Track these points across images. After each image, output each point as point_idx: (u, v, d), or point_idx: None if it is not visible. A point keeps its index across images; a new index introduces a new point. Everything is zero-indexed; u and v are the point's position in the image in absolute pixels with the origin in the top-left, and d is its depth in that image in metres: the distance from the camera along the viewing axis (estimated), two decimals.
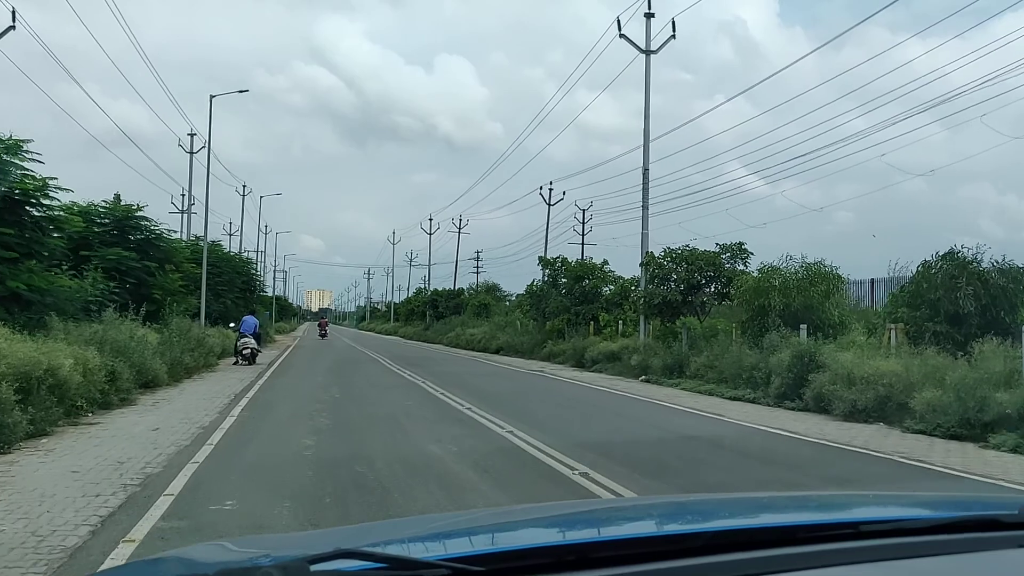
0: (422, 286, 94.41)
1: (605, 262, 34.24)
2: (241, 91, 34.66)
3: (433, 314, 68.93)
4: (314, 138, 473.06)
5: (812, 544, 1.44)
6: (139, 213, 22.87)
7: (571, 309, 33.07)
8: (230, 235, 66.24)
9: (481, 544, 1.55)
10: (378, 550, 1.35)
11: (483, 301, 57.12)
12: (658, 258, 23.93)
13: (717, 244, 23.56)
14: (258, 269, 64.53)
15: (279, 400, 15.63)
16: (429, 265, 75.85)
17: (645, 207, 25.07)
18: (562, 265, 37.48)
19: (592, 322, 31.67)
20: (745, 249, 23.32)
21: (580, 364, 27.50)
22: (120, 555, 5.40)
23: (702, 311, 23.52)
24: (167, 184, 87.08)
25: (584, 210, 57.77)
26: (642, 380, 21.61)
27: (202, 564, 1.40)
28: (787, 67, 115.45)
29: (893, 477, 8.83)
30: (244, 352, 25.16)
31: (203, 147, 43.20)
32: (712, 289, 23.26)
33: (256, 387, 17.96)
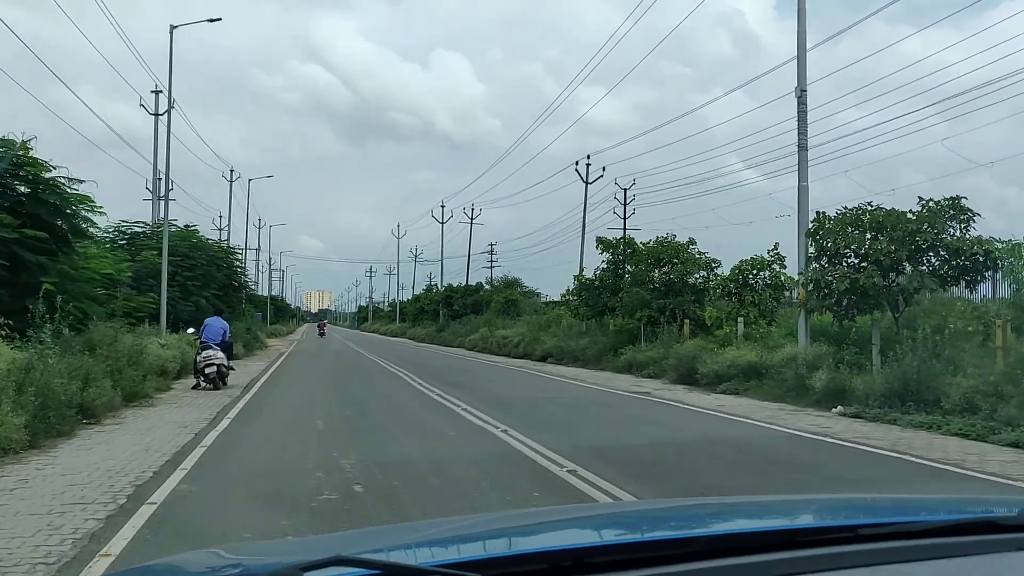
0: (430, 283, 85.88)
1: (692, 241, 26.04)
2: (212, 20, 26.66)
3: (448, 313, 60.67)
4: (312, 137, 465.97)
5: (810, 548, 1.42)
6: (23, 153, 13.91)
7: (652, 303, 24.88)
8: (219, 229, 58.28)
9: (477, 550, 1.51)
10: (372, 556, 1.31)
11: (510, 297, 48.84)
12: (835, 220, 15.67)
13: (921, 200, 15.40)
14: (244, 261, 56.47)
15: (232, 499, 7.38)
16: (442, 259, 67.62)
17: (803, 147, 16.82)
18: (628, 247, 29.27)
19: (685, 320, 23.47)
20: (965, 207, 15.17)
21: (690, 381, 19.34)
22: None
23: (906, 300, 15.31)
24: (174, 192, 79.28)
25: (626, 189, 49.64)
26: (836, 413, 13.42)
27: (195, 572, 1.43)
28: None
29: None
30: (207, 371, 16.97)
31: (169, 108, 35.18)
32: (927, 267, 15.05)
33: (197, 452, 9.63)
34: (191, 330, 18.48)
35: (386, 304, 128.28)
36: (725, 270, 25.19)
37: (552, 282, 77.48)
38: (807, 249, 16.55)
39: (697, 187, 71.60)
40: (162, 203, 48.30)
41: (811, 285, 15.66)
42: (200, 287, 30.50)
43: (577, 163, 46.65)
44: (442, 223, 66.55)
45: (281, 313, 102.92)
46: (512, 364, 29.40)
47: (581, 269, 34.25)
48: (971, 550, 1.49)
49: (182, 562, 1.56)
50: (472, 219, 68.46)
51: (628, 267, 29.45)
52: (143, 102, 31.97)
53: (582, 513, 2.64)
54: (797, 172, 16.82)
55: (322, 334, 71.33)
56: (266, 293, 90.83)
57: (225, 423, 11.68)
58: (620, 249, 29.38)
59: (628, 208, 50.00)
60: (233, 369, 18.31)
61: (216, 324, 17.71)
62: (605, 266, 30.01)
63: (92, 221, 16.46)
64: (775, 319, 21.23)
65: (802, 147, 16.75)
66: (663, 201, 78.59)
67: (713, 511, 2.10)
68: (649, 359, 22.36)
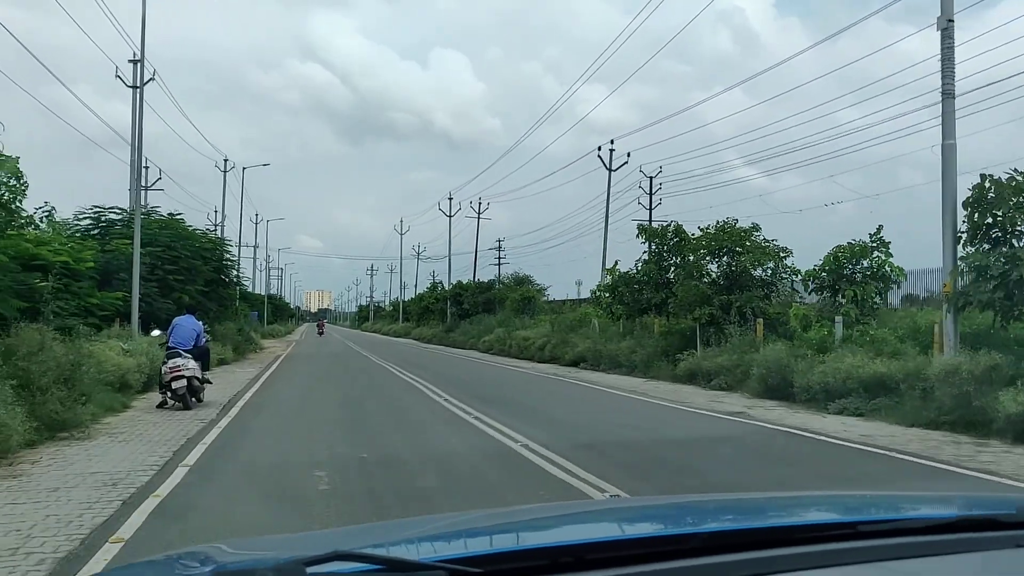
0: (434, 281, 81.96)
1: (756, 227, 22.13)
2: None
3: (457, 312, 56.74)
4: (311, 137, 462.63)
5: (810, 544, 1.41)
6: None
7: (713, 299, 21.00)
8: (215, 225, 54.43)
9: (478, 545, 1.51)
10: (375, 551, 1.32)
11: (527, 295, 44.92)
12: (1006, 186, 11.75)
13: None
14: (238, 256, 52.57)
15: None
16: (449, 254, 63.42)
17: (949, 93, 12.92)
18: (675, 236, 25.38)
19: (758, 320, 19.57)
20: None
21: (781, 395, 15.47)
22: None
23: None
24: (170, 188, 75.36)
25: (652, 177, 45.81)
26: None
27: (198, 566, 1.40)
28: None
29: None
30: (175, 385, 13.08)
31: (151, 79, 31.35)
32: None
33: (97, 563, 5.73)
34: (157, 332, 14.58)
35: (387, 303, 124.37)
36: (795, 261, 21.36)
37: (559, 280, 73.40)
38: (954, 226, 12.69)
39: (715, 179, 67.82)
40: (144, 192, 44.58)
41: (972, 274, 11.78)
42: (183, 282, 26.57)
43: (600, 148, 42.91)
44: (449, 216, 62.60)
45: (279, 312, 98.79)
46: (542, 370, 25.47)
47: (613, 266, 30.32)
48: (971, 547, 1.47)
49: (185, 557, 1.51)
50: (479, 214, 64.64)
51: (674, 259, 25.62)
52: (119, 72, 27.97)
53: (583, 509, 2.74)
54: (941, 127, 12.92)
55: (321, 333, 76.74)
56: (263, 291, 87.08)
57: (177, 478, 7.75)
58: (666, 237, 25.46)
59: (654, 198, 46.43)
60: (209, 382, 14.41)
61: (187, 325, 13.79)
62: (647, 257, 26.11)
63: (15, 189, 12.55)
64: (876, 317, 17.34)
65: (948, 94, 12.84)
66: (687, 191, 74.71)
67: (714, 507, 2.10)
68: (718, 367, 18.47)
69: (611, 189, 42.63)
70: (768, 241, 21.78)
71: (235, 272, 32.71)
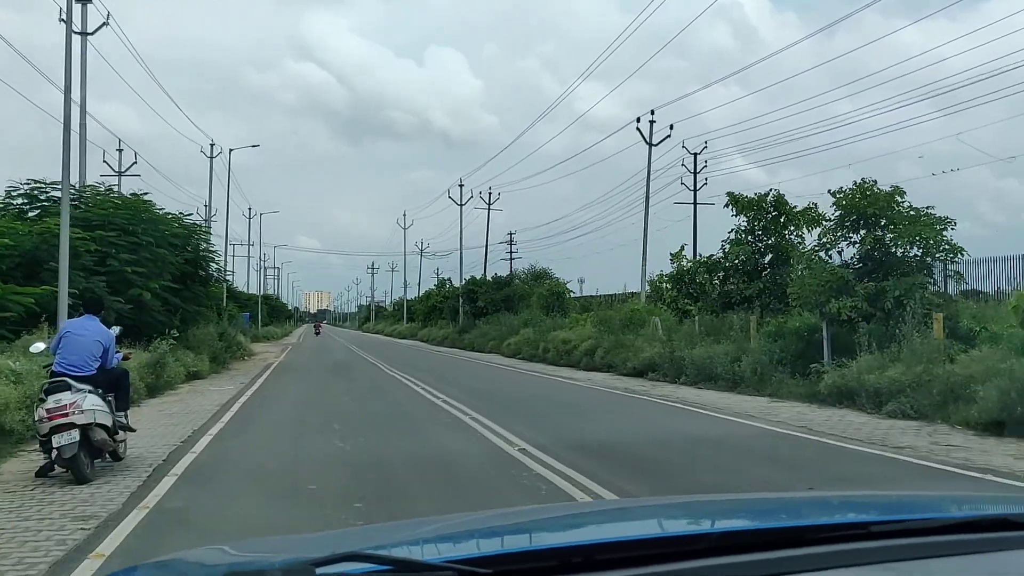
0: (439, 278, 76.18)
1: (898, 190, 16.37)
2: None
3: (471, 310, 51.01)
4: (308, 137, 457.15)
5: (822, 545, 1.39)
6: None
7: (855, 287, 15.29)
8: (205, 220, 48.83)
9: (487, 546, 1.50)
10: (383, 552, 1.31)
11: (556, 289, 39.15)
12: None
13: None
14: (223, 247, 46.89)
15: None
16: (461, 248, 56.97)
17: None
18: (776, 207, 19.68)
19: (938, 315, 13.86)
20: None
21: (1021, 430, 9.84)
22: None
23: None
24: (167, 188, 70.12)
25: (696, 154, 40.15)
26: None
27: (207, 567, 1.38)
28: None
29: None
30: (59, 443, 7.33)
31: (103, 24, 25.72)
32: None
33: None
34: (39, 346, 8.73)
35: (389, 303, 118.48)
36: None
37: (580, 275, 67.19)
38: None
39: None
40: (119, 178, 38.79)
41: None
42: (145, 276, 20.85)
43: (639, 120, 37.24)
44: (460, 204, 56.55)
45: (276, 313, 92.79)
46: (602, 383, 19.72)
47: (679, 250, 24.64)
48: (983, 547, 1.45)
49: (195, 557, 1.48)
50: (489, 204, 58.83)
51: (770, 238, 19.97)
52: (62, 16, 22.10)
53: (593, 509, 2.78)
54: None
55: (318, 332, 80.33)
56: (259, 291, 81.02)
57: None
58: (764, 210, 19.74)
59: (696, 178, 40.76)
60: (131, 429, 8.64)
61: (83, 333, 7.90)
62: (736, 237, 20.38)
63: None
64: None
65: None
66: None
67: (724, 508, 2.09)
68: (891, 384, 12.76)
69: (650, 168, 36.94)
70: (921, 210, 16.09)
71: (216, 266, 26.83)
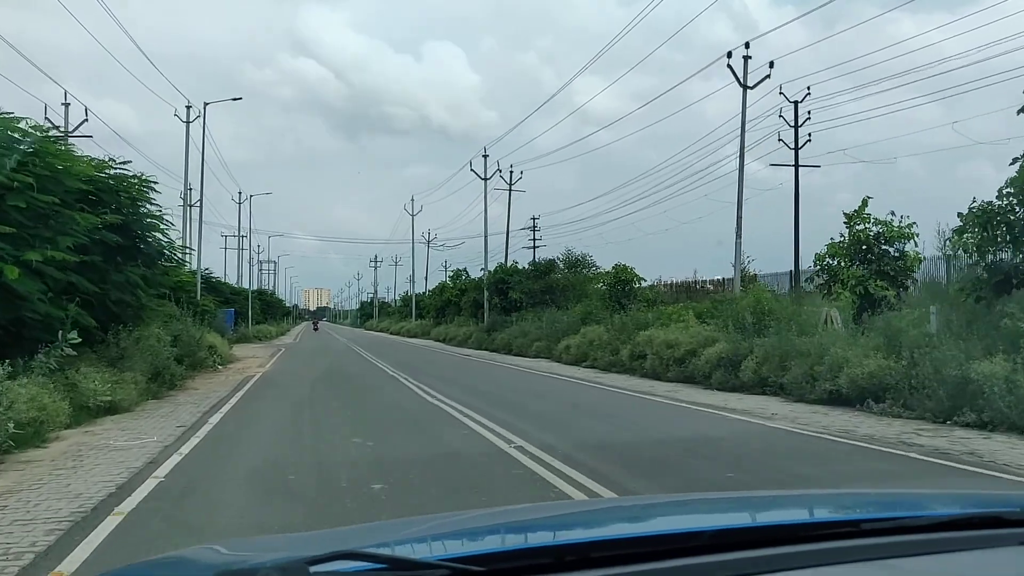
0: (456, 269, 67.37)
1: None
2: None
3: (501, 304, 42.51)
4: (305, 133, 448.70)
5: (814, 543, 1.38)
6: None
7: None
8: (188, 205, 40.43)
9: (481, 544, 1.48)
10: (377, 551, 1.29)
11: (625, 277, 30.53)
12: None
13: None
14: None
15: None
16: (486, 231, 47.33)
17: None
18: None
19: None
20: None
21: None
22: None
23: None
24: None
25: (797, 103, 31.69)
26: None
27: (201, 565, 1.35)
28: None
29: None
30: None
31: None
32: None
33: None
34: None
35: (394, 298, 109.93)
36: None
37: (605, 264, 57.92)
38: None
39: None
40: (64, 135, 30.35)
41: None
42: (26, 241, 12.44)
43: (730, 55, 28.76)
44: (485, 179, 47.71)
45: (271, 310, 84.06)
46: (842, 429, 11.28)
47: (862, 203, 16.12)
48: (975, 545, 1.44)
49: (187, 556, 1.45)
50: (511, 185, 50.15)
51: None
52: None
53: (587, 507, 2.76)
54: None
55: (316, 329, 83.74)
56: (254, 286, 72.30)
57: None
58: None
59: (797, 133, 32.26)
60: None
61: None
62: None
63: None
64: None
65: None
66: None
67: (718, 506, 2.06)
68: None
69: (744, 116, 28.46)
70: None
71: (162, 237, 18.07)
